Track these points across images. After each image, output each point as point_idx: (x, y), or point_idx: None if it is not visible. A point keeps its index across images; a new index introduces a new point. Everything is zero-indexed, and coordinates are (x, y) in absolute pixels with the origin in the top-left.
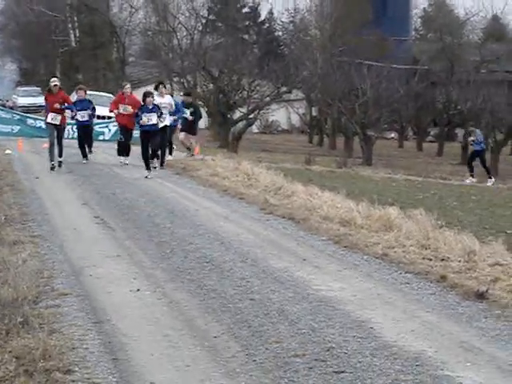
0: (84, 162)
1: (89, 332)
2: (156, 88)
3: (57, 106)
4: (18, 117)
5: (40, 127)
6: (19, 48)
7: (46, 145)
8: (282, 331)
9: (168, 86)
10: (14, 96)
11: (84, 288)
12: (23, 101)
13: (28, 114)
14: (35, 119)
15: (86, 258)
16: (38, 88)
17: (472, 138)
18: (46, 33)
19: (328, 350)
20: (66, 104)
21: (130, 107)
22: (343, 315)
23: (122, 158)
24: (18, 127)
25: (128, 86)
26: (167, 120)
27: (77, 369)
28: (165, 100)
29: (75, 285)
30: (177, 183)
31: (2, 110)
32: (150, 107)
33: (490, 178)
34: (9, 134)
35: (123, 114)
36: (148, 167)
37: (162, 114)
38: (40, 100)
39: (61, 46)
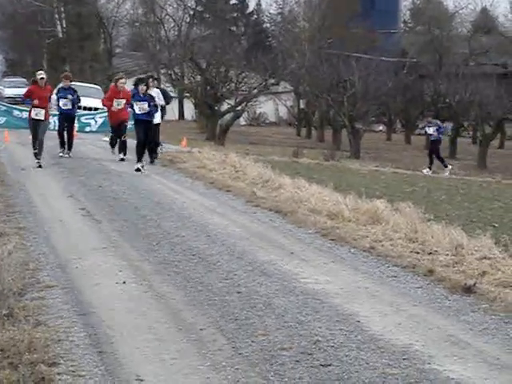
0: (60, 154)
1: (74, 324)
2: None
3: (42, 100)
4: (4, 108)
5: (26, 118)
6: (5, 39)
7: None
8: (268, 324)
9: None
10: (0, 87)
11: (70, 280)
12: (9, 92)
13: (14, 105)
14: (21, 110)
15: (71, 251)
16: (25, 79)
17: (431, 131)
18: (32, 23)
19: (315, 343)
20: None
21: (123, 101)
22: (330, 308)
23: (120, 155)
24: (5, 118)
25: (123, 79)
26: (158, 117)
27: (62, 361)
28: (152, 93)
29: (61, 277)
30: (164, 175)
31: None
32: (142, 96)
33: (446, 166)
34: None
35: (118, 110)
36: (140, 159)
37: (155, 106)
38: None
39: (47, 36)
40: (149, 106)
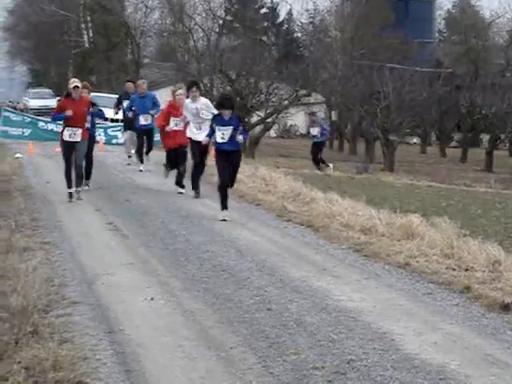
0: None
1: (101, 342)
2: (188, 90)
3: (78, 116)
4: (29, 119)
5: (52, 130)
6: (30, 49)
7: (58, 149)
8: (300, 343)
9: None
10: (24, 98)
11: (96, 296)
12: (34, 103)
13: (39, 117)
14: (46, 122)
15: (98, 266)
16: (50, 90)
17: (316, 132)
18: (58, 33)
19: (348, 363)
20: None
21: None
22: (363, 326)
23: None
24: (29, 130)
25: (181, 90)
26: (203, 134)
27: (88, 380)
28: (198, 105)
29: (87, 293)
30: (191, 189)
31: (13, 112)
32: (227, 119)
33: (328, 165)
34: (20, 136)
35: (175, 132)
36: (224, 207)
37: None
38: (52, 102)
39: (73, 47)
40: (235, 130)
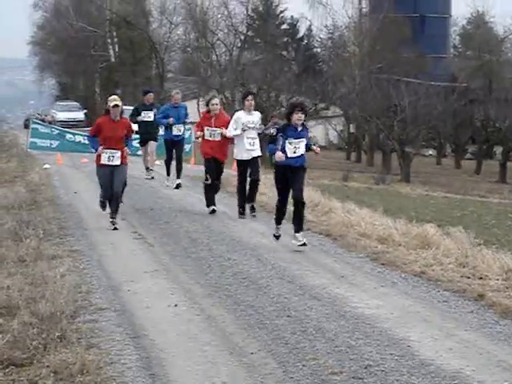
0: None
1: (126, 347)
2: (243, 100)
3: (117, 138)
4: (57, 131)
5: (79, 142)
6: (58, 63)
7: (86, 160)
8: (319, 348)
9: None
10: (52, 111)
11: (122, 303)
12: (62, 115)
13: (67, 129)
14: (74, 134)
15: (123, 273)
16: (77, 103)
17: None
18: (85, 48)
19: (365, 368)
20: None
21: (219, 130)
22: (381, 333)
23: (210, 208)
24: (57, 142)
25: (216, 100)
26: (257, 149)
27: None
28: (253, 118)
29: (113, 299)
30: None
31: (41, 124)
32: (300, 129)
33: None
34: (48, 148)
35: (208, 141)
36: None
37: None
38: (79, 115)
39: (100, 61)
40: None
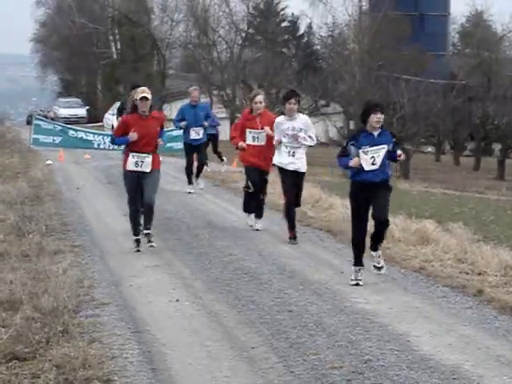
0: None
1: (128, 341)
2: (283, 102)
3: (148, 138)
4: (60, 128)
5: (81, 138)
6: (61, 60)
7: (88, 156)
8: (319, 343)
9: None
10: (55, 107)
11: (124, 298)
12: (64, 112)
13: (69, 125)
14: (76, 130)
15: (125, 269)
16: (79, 99)
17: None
18: (87, 45)
19: (365, 363)
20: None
21: (264, 132)
22: (380, 328)
23: (251, 219)
24: (60, 138)
25: (260, 97)
26: (301, 162)
27: (116, 378)
28: (297, 124)
29: (115, 294)
30: (215, 195)
31: (44, 120)
32: (377, 133)
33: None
34: (50, 144)
35: (251, 146)
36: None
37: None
38: (81, 111)
39: (102, 58)
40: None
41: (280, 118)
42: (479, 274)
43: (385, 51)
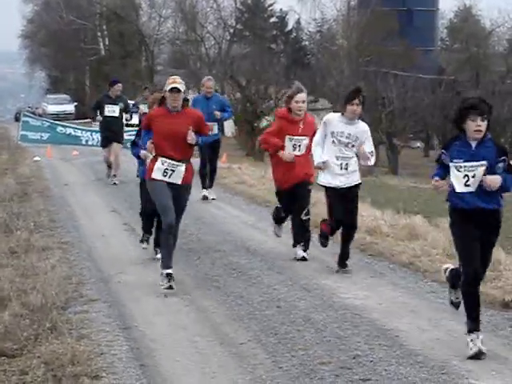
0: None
1: (117, 338)
2: (345, 103)
3: (177, 140)
4: (48, 124)
5: (70, 134)
6: (49, 56)
7: (76, 152)
8: (308, 339)
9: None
10: (43, 103)
11: (112, 294)
12: (52, 108)
13: (57, 122)
14: (65, 126)
15: (114, 265)
16: (67, 96)
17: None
18: (75, 41)
19: (354, 358)
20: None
21: (305, 141)
22: (369, 323)
23: (300, 251)
24: (48, 134)
25: (303, 95)
26: (355, 175)
27: (105, 374)
28: (353, 130)
29: (103, 291)
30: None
31: (32, 117)
32: (475, 144)
33: None
34: (38, 141)
35: (295, 158)
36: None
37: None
38: (69, 108)
39: (90, 54)
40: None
41: (334, 117)
42: None
43: (373, 46)
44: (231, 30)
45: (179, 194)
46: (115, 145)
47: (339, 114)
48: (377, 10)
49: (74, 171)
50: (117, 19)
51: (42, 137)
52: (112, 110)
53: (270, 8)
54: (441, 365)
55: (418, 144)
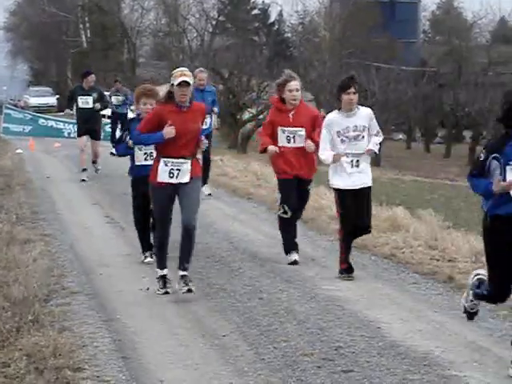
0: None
1: (99, 330)
2: (338, 94)
3: (187, 137)
4: (30, 116)
5: (52, 126)
6: (31, 48)
7: (58, 144)
8: (290, 330)
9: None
10: (25, 96)
11: (94, 286)
12: (35, 101)
13: (40, 114)
14: (47, 119)
15: (96, 257)
16: (50, 88)
17: (118, 101)
18: (57, 33)
19: (336, 350)
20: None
21: (301, 131)
22: (351, 315)
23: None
24: (30, 127)
25: (296, 83)
26: (366, 173)
27: (87, 367)
28: (356, 121)
29: (85, 283)
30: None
31: (14, 109)
32: None
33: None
34: (20, 133)
35: (285, 149)
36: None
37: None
38: (51, 100)
39: (72, 46)
40: None
41: (333, 116)
42: (450, 260)
43: (355, 39)
44: (213, 22)
45: (189, 189)
46: (93, 141)
47: (336, 110)
48: (359, 2)
49: (56, 163)
50: (99, 11)
51: (24, 129)
52: (85, 102)
53: (253, 0)
54: (423, 356)
55: (401, 136)
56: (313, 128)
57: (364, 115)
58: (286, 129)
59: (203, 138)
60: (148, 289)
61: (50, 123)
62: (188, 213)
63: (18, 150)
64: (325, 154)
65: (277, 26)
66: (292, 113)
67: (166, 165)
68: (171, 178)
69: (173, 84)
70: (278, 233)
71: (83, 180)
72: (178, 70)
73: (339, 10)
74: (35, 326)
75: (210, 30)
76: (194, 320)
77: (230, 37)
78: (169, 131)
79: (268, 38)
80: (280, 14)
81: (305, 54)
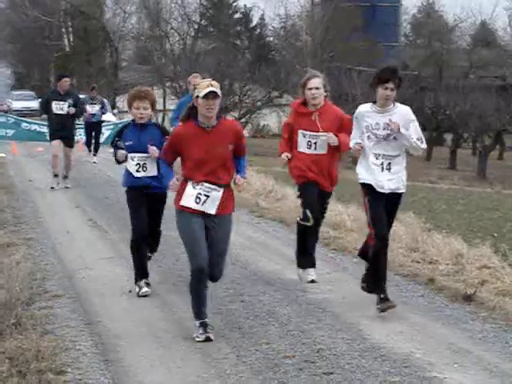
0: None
1: (81, 333)
2: (375, 85)
3: (218, 163)
4: (13, 120)
5: (34, 130)
6: (14, 52)
7: (40, 148)
8: (272, 333)
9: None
10: (8, 100)
11: (77, 290)
12: (17, 105)
13: (22, 118)
14: (29, 123)
15: (78, 260)
16: (32, 92)
17: (95, 110)
18: (40, 37)
19: (317, 352)
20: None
21: (324, 136)
22: (332, 317)
23: (311, 274)
24: (13, 131)
25: (317, 80)
26: (399, 177)
27: (69, 370)
28: (394, 118)
29: (68, 287)
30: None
31: None
32: None
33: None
34: (3, 137)
35: (305, 154)
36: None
37: None
38: (34, 104)
39: (55, 50)
40: None
41: (364, 108)
42: (430, 262)
43: (337, 42)
44: (196, 26)
45: (218, 227)
46: (66, 149)
47: (370, 103)
48: (340, 6)
49: (38, 167)
50: (81, 16)
51: (7, 133)
52: (60, 108)
53: (235, 4)
54: (403, 358)
55: None
56: (339, 133)
57: (401, 114)
58: (307, 133)
59: (239, 177)
60: (130, 291)
61: (33, 127)
62: (215, 262)
63: (1, 154)
64: (351, 142)
65: (259, 30)
66: (315, 115)
67: (194, 187)
68: (197, 203)
69: (197, 96)
70: (257, 235)
71: (52, 188)
72: (204, 80)
73: (321, 13)
74: (18, 329)
75: (193, 33)
76: (175, 323)
77: (212, 41)
78: (172, 186)
79: (250, 41)
80: (262, 18)
81: (287, 58)
